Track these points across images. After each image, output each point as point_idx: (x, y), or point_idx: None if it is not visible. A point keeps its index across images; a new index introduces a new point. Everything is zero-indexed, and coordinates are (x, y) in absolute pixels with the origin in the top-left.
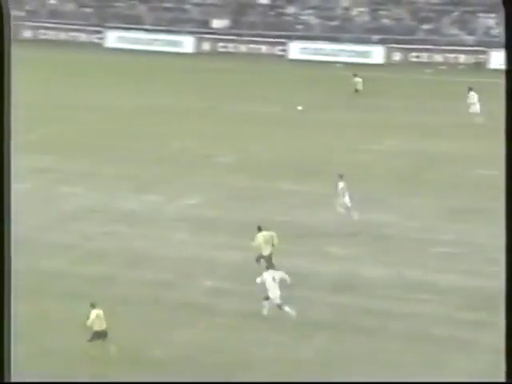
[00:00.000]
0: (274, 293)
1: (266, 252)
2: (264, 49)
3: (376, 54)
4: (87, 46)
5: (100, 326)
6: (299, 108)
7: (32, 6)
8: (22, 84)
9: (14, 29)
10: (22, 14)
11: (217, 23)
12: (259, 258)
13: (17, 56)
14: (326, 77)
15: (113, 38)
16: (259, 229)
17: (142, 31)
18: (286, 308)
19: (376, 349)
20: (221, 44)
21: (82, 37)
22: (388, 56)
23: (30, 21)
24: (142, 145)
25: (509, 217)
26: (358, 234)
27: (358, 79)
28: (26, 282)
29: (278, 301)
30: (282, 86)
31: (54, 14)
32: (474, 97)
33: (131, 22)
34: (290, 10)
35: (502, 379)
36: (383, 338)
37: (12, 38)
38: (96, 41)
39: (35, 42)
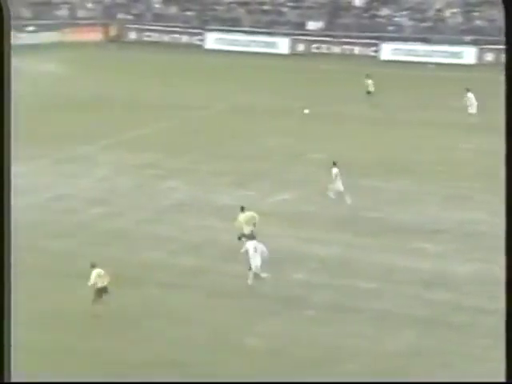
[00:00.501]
0: (255, 261)
1: (246, 231)
2: (357, 50)
3: (468, 54)
4: (188, 47)
5: (101, 283)
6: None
7: (138, 9)
8: (127, 84)
9: (121, 31)
10: (130, 17)
11: (312, 25)
12: (241, 236)
13: (123, 57)
14: (417, 77)
15: (212, 40)
16: (242, 209)
17: (240, 33)
18: (263, 274)
19: (466, 344)
20: (315, 45)
21: (184, 39)
22: (480, 56)
23: (136, 23)
24: (238, 142)
25: (509, 216)
26: (449, 230)
27: (370, 81)
28: (129, 272)
29: (257, 270)
30: (373, 86)
31: (158, 17)
32: None
33: (230, 24)
34: (384, 11)
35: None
36: (473, 333)
37: (119, 39)
38: (197, 42)
39: (140, 43)
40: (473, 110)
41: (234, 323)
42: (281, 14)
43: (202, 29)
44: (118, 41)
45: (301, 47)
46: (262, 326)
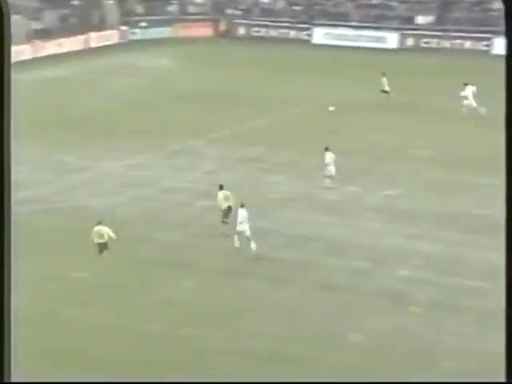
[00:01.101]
0: (243, 227)
1: (224, 207)
2: (468, 44)
3: None
4: (296, 42)
5: (101, 238)
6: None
7: (246, 4)
8: (235, 78)
9: (230, 26)
10: (238, 12)
11: (421, 19)
12: (223, 215)
13: (232, 52)
14: None
15: (320, 35)
16: (220, 187)
17: (348, 28)
18: (252, 243)
19: None
20: (424, 40)
21: (291, 34)
22: None
23: (245, 19)
24: (342, 137)
25: (509, 216)
26: None
27: (385, 79)
28: (234, 264)
29: (247, 234)
30: (482, 82)
31: (266, 12)
32: None
33: (338, 18)
34: (497, 5)
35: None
36: None
37: (228, 35)
38: (304, 37)
39: (248, 38)
40: None
41: (337, 318)
42: (389, 8)
43: (309, 23)
44: (228, 36)
45: (410, 42)
46: (366, 322)
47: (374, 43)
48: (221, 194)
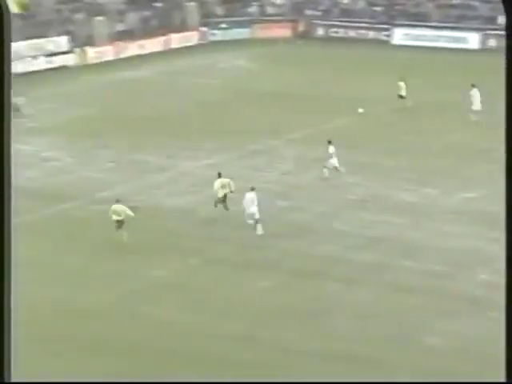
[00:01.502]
0: (252, 209)
1: (220, 194)
2: None
3: None
4: (374, 43)
5: (119, 216)
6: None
7: (326, 5)
8: (313, 79)
9: (309, 27)
10: (318, 13)
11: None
12: (217, 201)
13: (310, 52)
14: None
15: (399, 35)
16: (219, 175)
17: (428, 28)
18: (259, 226)
19: None
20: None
21: (370, 34)
22: None
23: (324, 19)
24: (419, 138)
25: (509, 216)
26: None
27: (402, 84)
28: (308, 265)
29: (256, 216)
30: None
31: (346, 12)
32: None
33: (418, 19)
34: None
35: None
36: None
37: (306, 35)
38: (383, 38)
39: (327, 39)
40: None
41: (413, 320)
42: (471, 8)
43: (389, 24)
44: (306, 37)
45: (492, 42)
46: (442, 324)
47: (455, 44)
48: (218, 182)
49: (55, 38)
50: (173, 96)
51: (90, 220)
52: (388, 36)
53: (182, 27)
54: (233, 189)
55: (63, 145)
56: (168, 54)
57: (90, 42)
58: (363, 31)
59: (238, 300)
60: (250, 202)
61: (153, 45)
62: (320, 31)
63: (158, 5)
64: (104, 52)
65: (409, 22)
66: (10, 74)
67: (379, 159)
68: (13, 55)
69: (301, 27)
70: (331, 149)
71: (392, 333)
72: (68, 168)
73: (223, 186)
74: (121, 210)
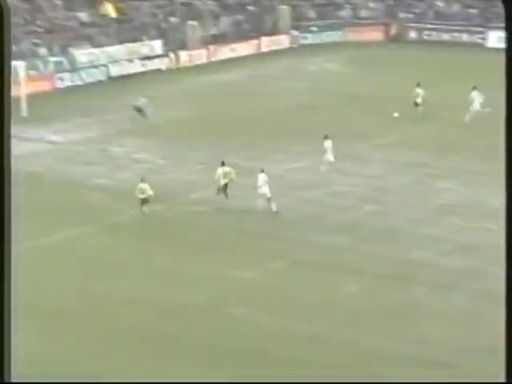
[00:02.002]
0: (264, 189)
1: (222, 182)
2: None
3: None
4: (469, 46)
5: (143, 194)
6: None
7: (420, 8)
8: (404, 83)
9: (401, 30)
10: (411, 16)
11: None
12: (219, 188)
13: (402, 56)
14: None
15: (494, 38)
16: (222, 164)
17: None
18: (273, 204)
19: None
20: None
21: (464, 37)
22: None
23: (417, 22)
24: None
25: (509, 216)
26: None
27: (420, 90)
28: (397, 270)
29: (268, 195)
30: None
31: (440, 15)
32: None
33: None
34: None
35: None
36: None
37: (399, 39)
38: (478, 41)
39: (419, 42)
40: None
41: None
42: None
43: (484, 27)
44: (398, 40)
45: None
46: None
47: None
48: (220, 170)
49: (150, 42)
50: (263, 99)
51: (179, 222)
52: (483, 39)
53: (274, 30)
54: (233, 177)
55: (155, 147)
56: (259, 57)
57: (183, 45)
58: (457, 34)
59: (325, 303)
60: (263, 183)
61: (244, 48)
62: (413, 34)
63: (251, 8)
64: (197, 55)
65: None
66: (9, 73)
67: (470, 164)
68: (108, 59)
69: (393, 30)
70: (327, 143)
71: (484, 341)
72: (159, 170)
73: (225, 175)
74: (146, 188)
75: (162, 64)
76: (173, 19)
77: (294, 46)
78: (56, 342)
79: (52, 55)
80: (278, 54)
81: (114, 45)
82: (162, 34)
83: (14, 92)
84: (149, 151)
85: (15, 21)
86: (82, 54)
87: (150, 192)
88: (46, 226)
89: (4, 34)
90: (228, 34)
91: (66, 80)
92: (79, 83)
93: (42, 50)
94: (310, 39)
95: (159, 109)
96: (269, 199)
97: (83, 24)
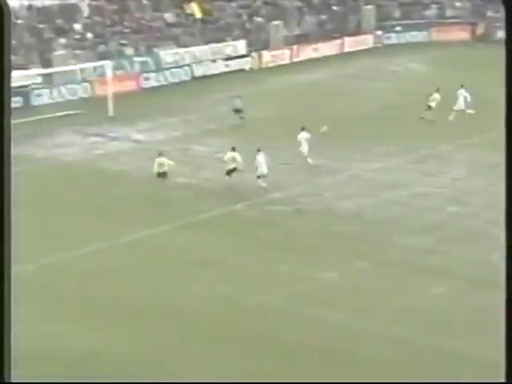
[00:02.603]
0: (263, 169)
1: (230, 166)
2: None
3: None
4: None
5: (162, 168)
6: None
7: None
8: (490, 83)
9: (489, 30)
10: (499, 15)
11: None
12: (228, 171)
13: (489, 56)
14: None
15: None
16: (232, 149)
17: None
18: (262, 182)
19: None
20: None
21: None
22: None
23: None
24: None
25: (509, 216)
26: None
27: (437, 95)
28: (477, 272)
29: (264, 173)
30: None
31: None
32: None
33: None
34: None
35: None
36: None
37: (485, 38)
38: None
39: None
40: None
41: None
42: None
43: None
44: (485, 39)
45: None
46: None
47: None
48: (229, 155)
49: (234, 42)
50: (346, 99)
51: (260, 221)
52: None
53: (357, 30)
54: (240, 162)
55: (238, 146)
56: (342, 57)
57: (267, 45)
58: None
59: (407, 305)
60: (261, 162)
61: (327, 48)
62: (500, 34)
63: (335, 8)
64: (280, 56)
65: None
66: (10, 73)
67: None
68: (193, 59)
69: (480, 30)
70: (302, 135)
71: None
72: (242, 169)
73: (233, 160)
74: (165, 162)
75: (245, 64)
76: (257, 19)
77: (378, 45)
78: (136, 341)
79: (138, 55)
80: (362, 54)
81: (198, 45)
82: (245, 35)
83: (101, 92)
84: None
85: (103, 21)
86: (167, 54)
87: (171, 162)
88: (128, 224)
89: (4, 34)
90: (311, 34)
91: (152, 80)
92: (164, 83)
93: (129, 50)
94: (393, 39)
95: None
96: (264, 176)
97: (169, 24)
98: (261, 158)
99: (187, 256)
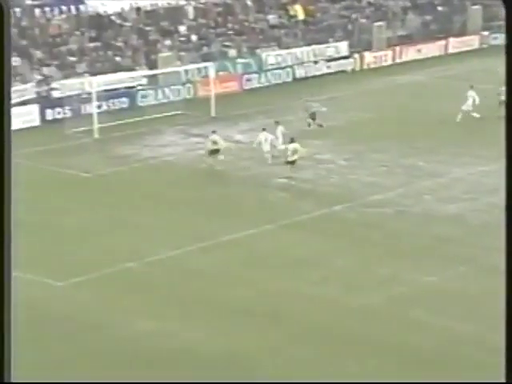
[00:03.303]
0: (266, 147)
1: (292, 158)
2: None
3: None
4: None
5: (215, 145)
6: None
7: None
8: None
9: None
10: None
11: None
12: (289, 161)
13: None
14: None
15: None
16: (291, 140)
17: None
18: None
19: None
20: None
21: None
22: None
23: None
24: None
25: (509, 216)
26: None
27: (472, 93)
28: None
29: (269, 154)
30: None
31: None
32: None
33: None
34: None
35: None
36: None
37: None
38: None
39: None
40: None
41: None
42: None
43: None
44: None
45: None
46: None
47: None
48: (292, 146)
49: (336, 43)
50: (449, 100)
51: (360, 223)
52: None
53: (463, 31)
54: (299, 156)
55: (338, 147)
56: (446, 58)
57: (369, 46)
58: None
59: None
60: (264, 142)
61: (431, 49)
62: None
63: (440, 9)
64: (382, 57)
65: None
66: (9, 73)
67: None
68: (294, 60)
69: None
70: (279, 130)
71: None
72: (340, 170)
73: (295, 151)
74: (217, 139)
75: (346, 65)
76: (360, 20)
77: (484, 46)
78: (241, 342)
79: (241, 57)
80: (467, 55)
81: (300, 46)
82: (348, 36)
83: (204, 92)
84: (331, 151)
85: (207, 23)
86: (270, 56)
87: (222, 143)
88: (229, 223)
89: (4, 34)
90: (415, 35)
91: (253, 81)
92: (265, 84)
93: (232, 52)
94: (500, 39)
95: (342, 110)
96: (267, 152)
97: (272, 26)
98: (263, 136)
99: (288, 256)
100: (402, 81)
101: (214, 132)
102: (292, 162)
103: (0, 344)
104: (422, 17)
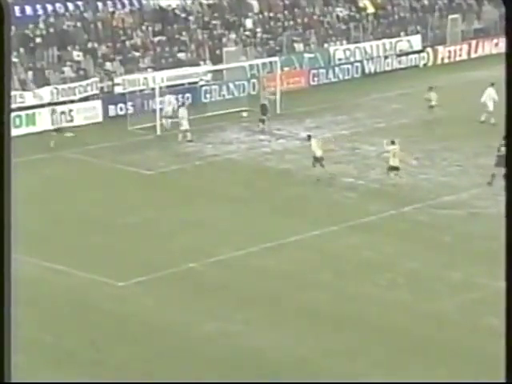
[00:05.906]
0: (318, 152)
1: (317, 154)
2: None
3: None
4: None
5: (317, 153)
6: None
7: None
8: None
9: None
10: None
11: None
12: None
13: None
14: None
15: None
16: (308, 138)
17: None
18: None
19: None
20: None
21: None
22: None
23: None
24: None
25: (509, 216)
26: None
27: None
28: None
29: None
30: None
31: None
32: None
33: None
34: None
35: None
36: None
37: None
38: None
39: None
40: None
41: None
42: None
43: None
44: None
45: None
46: None
47: None
48: (313, 142)
49: (407, 37)
50: None
51: (431, 225)
52: None
53: None
54: (322, 152)
55: (407, 146)
56: None
57: (443, 40)
58: None
59: None
60: (316, 146)
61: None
62: None
63: None
64: (456, 51)
65: None
66: (9, 73)
67: None
68: (364, 55)
69: None
70: (181, 112)
71: None
72: (411, 170)
73: (318, 147)
74: (316, 143)
75: (418, 60)
76: (433, 14)
77: None
78: (312, 344)
79: (307, 51)
80: None
81: (370, 40)
82: (420, 29)
83: (270, 88)
84: (401, 150)
85: (273, 17)
86: (338, 50)
87: (319, 152)
88: (296, 223)
89: (4, 34)
90: (491, 29)
91: (321, 76)
92: (333, 80)
93: (299, 46)
94: None
95: (414, 107)
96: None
97: (340, 19)
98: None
99: (357, 258)
100: (478, 76)
101: (309, 136)
102: (395, 168)
103: (0, 344)
104: (498, 9)
